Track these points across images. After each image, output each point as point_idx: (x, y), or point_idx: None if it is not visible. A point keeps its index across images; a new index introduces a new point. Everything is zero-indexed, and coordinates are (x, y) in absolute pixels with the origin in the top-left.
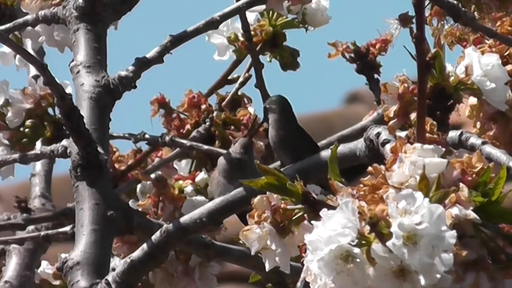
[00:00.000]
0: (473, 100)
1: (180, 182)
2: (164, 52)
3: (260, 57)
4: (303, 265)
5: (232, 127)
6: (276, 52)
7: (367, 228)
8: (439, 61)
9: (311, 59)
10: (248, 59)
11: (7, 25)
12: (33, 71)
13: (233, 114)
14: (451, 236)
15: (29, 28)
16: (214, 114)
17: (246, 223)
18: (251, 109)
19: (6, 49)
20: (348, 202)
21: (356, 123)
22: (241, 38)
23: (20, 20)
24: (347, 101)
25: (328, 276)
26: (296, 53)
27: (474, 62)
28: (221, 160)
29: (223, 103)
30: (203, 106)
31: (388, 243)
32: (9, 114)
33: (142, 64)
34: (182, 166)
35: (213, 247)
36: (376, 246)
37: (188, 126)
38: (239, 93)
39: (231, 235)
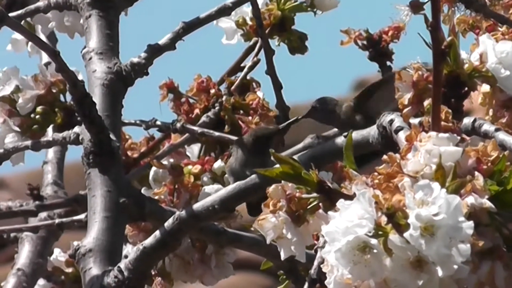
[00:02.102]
0: (485, 87)
1: (189, 167)
2: (176, 38)
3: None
4: (316, 252)
5: (241, 111)
6: (285, 36)
7: (384, 219)
8: (454, 48)
9: (319, 46)
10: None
11: (19, 12)
12: (45, 58)
13: (242, 98)
14: (468, 226)
15: (40, 13)
16: (223, 98)
17: (253, 213)
18: (260, 94)
19: (18, 35)
20: (365, 192)
21: None
22: (249, 22)
23: (32, 6)
24: (355, 88)
25: (345, 267)
26: (304, 37)
27: (489, 50)
28: (237, 149)
29: (232, 88)
30: (212, 91)
31: (406, 234)
32: (20, 100)
33: (155, 51)
34: (195, 152)
35: (225, 234)
36: (393, 237)
37: (197, 111)
38: (248, 77)
39: (242, 222)
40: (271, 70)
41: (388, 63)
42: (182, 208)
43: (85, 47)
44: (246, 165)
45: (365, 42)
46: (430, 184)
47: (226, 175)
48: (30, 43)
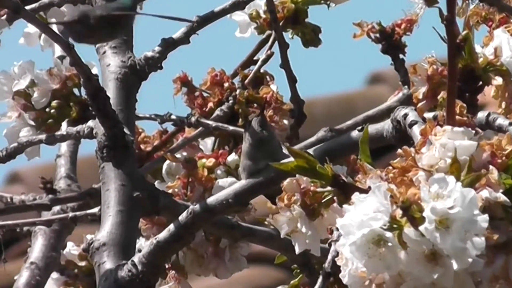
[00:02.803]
0: (498, 80)
1: (203, 160)
2: (190, 32)
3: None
4: (330, 246)
5: (255, 105)
6: (298, 29)
7: (399, 212)
8: (468, 42)
9: (334, 39)
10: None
11: (33, 6)
12: (58, 51)
13: (256, 92)
14: (483, 220)
15: (54, 7)
16: (237, 92)
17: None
18: (273, 87)
19: (31, 29)
20: (380, 186)
21: (379, 104)
22: (263, 15)
23: (46, 0)
24: (369, 82)
25: (360, 260)
26: (317, 30)
27: (504, 44)
28: (244, 143)
29: (246, 81)
30: (226, 84)
31: (421, 227)
32: (35, 94)
33: (168, 45)
34: (208, 146)
35: (239, 228)
36: (408, 230)
37: (211, 105)
38: (262, 70)
39: (256, 216)
40: (285, 64)
41: (401, 56)
42: (196, 202)
43: None
44: (253, 157)
45: (378, 35)
46: (445, 178)
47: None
48: (42, 36)
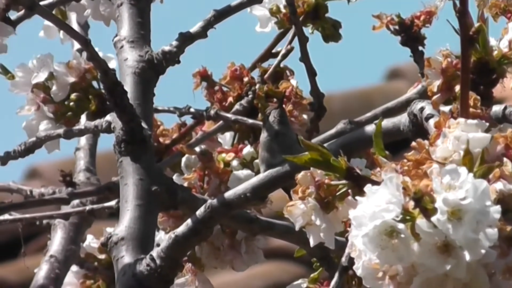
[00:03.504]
0: None
1: (223, 155)
2: (207, 26)
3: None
4: (347, 239)
5: (275, 99)
6: (318, 24)
7: (412, 203)
8: (482, 35)
9: (352, 35)
10: (291, 32)
11: (51, 0)
12: (77, 44)
13: (276, 86)
14: (495, 211)
15: (74, 2)
16: (257, 86)
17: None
18: (293, 81)
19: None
20: (392, 177)
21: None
22: (283, 10)
23: None
24: (388, 77)
25: (372, 252)
26: (338, 25)
27: None
28: (262, 134)
29: (266, 76)
30: (246, 79)
31: (433, 219)
32: (54, 87)
33: (186, 39)
34: (227, 139)
35: (258, 222)
36: (421, 221)
37: (230, 99)
38: (281, 65)
39: (276, 210)
40: (305, 57)
41: (420, 48)
42: (213, 195)
43: (116, 35)
44: (271, 150)
45: (397, 27)
46: (457, 169)
47: (255, 161)
48: None
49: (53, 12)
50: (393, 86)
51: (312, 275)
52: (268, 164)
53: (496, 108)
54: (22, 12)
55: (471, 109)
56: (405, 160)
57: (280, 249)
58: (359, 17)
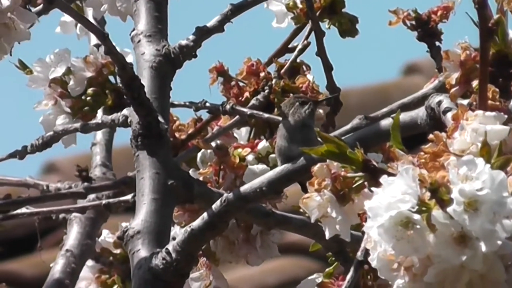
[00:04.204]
0: None
1: (239, 150)
2: (224, 21)
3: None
4: (363, 233)
5: (291, 94)
6: (335, 19)
7: (428, 194)
8: (501, 27)
9: (369, 30)
10: (307, 27)
11: None
12: (94, 39)
13: (292, 81)
14: None
15: None
16: (273, 81)
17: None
18: (310, 77)
19: (67, 18)
20: (408, 168)
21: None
22: (300, 5)
23: None
24: (405, 72)
25: (388, 242)
26: (355, 20)
27: None
28: (283, 124)
29: (282, 71)
30: (262, 74)
31: (449, 209)
32: (71, 82)
33: (203, 33)
34: (242, 134)
35: (273, 216)
36: (437, 212)
37: (247, 94)
38: (298, 60)
39: (291, 204)
40: (321, 52)
41: (437, 43)
42: (228, 189)
43: (133, 30)
44: (291, 140)
45: (413, 22)
46: (474, 160)
47: (271, 155)
48: (78, 25)
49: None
50: (410, 81)
51: (327, 270)
52: (286, 154)
53: None
54: (40, 7)
55: (489, 102)
56: (422, 153)
57: (295, 244)
58: (377, 11)
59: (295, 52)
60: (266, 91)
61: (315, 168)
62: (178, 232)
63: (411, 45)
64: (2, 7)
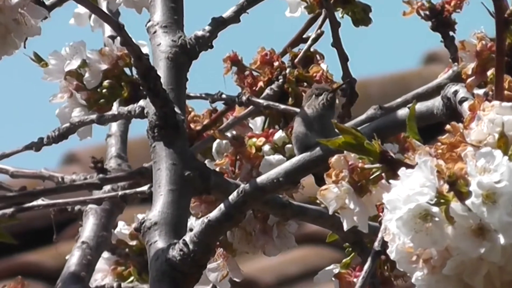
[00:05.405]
0: None
1: (254, 139)
2: (240, 11)
3: None
4: (380, 224)
5: (305, 84)
6: (348, 8)
7: (446, 186)
8: None
9: (389, 19)
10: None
11: None
12: (107, 31)
13: (306, 71)
14: None
15: None
16: (287, 71)
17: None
18: (323, 66)
19: (81, 10)
20: (426, 160)
21: None
22: None
23: None
24: (425, 61)
25: (406, 235)
26: (368, 9)
27: None
28: (301, 112)
29: (296, 60)
30: (276, 63)
31: (467, 202)
32: (87, 74)
33: (219, 24)
34: (258, 124)
35: (290, 207)
36: (455, 204)
37: (261, 84)
38: (312, 49)
39: (308, 195)
40: (337, 42)
41: (451, 33)
42: (245, 180)
43: (149, 21)
44: (309, 128)
45: (427, 12)
46: (492, 152)
47: (287, 146)
48: (92, 17)
49: None
50: (430, 70)
51: (344, 260)
52: (303, 143)
53: None
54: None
55: (506, 92)
56: (439, 144)
57: (316, 234)
58: (396, 0)
59: (309, 41)
60: (280, 80)
61: (333, 159)
62: (194, 223)
63: (431, 34)
64: (13, 2)
